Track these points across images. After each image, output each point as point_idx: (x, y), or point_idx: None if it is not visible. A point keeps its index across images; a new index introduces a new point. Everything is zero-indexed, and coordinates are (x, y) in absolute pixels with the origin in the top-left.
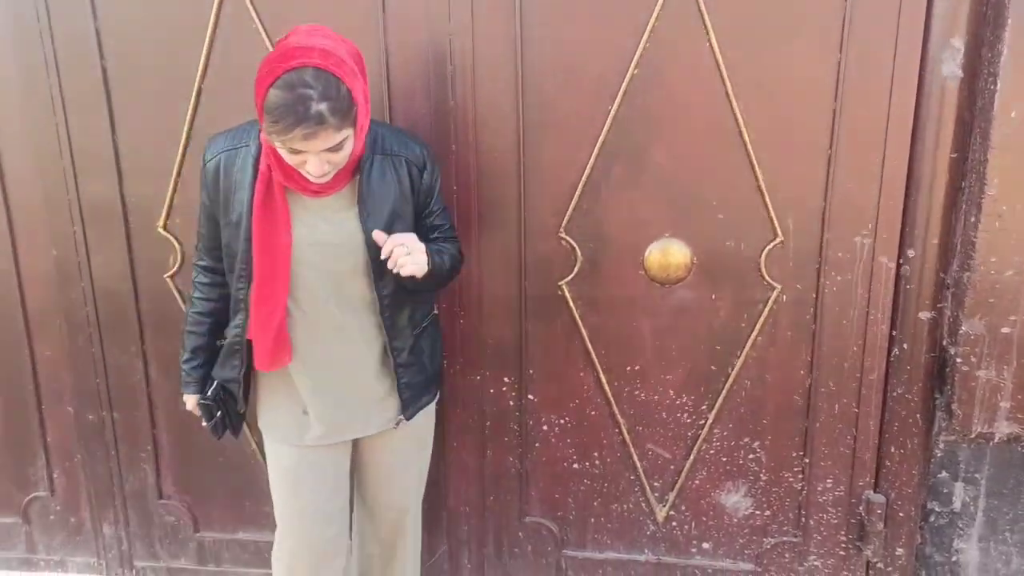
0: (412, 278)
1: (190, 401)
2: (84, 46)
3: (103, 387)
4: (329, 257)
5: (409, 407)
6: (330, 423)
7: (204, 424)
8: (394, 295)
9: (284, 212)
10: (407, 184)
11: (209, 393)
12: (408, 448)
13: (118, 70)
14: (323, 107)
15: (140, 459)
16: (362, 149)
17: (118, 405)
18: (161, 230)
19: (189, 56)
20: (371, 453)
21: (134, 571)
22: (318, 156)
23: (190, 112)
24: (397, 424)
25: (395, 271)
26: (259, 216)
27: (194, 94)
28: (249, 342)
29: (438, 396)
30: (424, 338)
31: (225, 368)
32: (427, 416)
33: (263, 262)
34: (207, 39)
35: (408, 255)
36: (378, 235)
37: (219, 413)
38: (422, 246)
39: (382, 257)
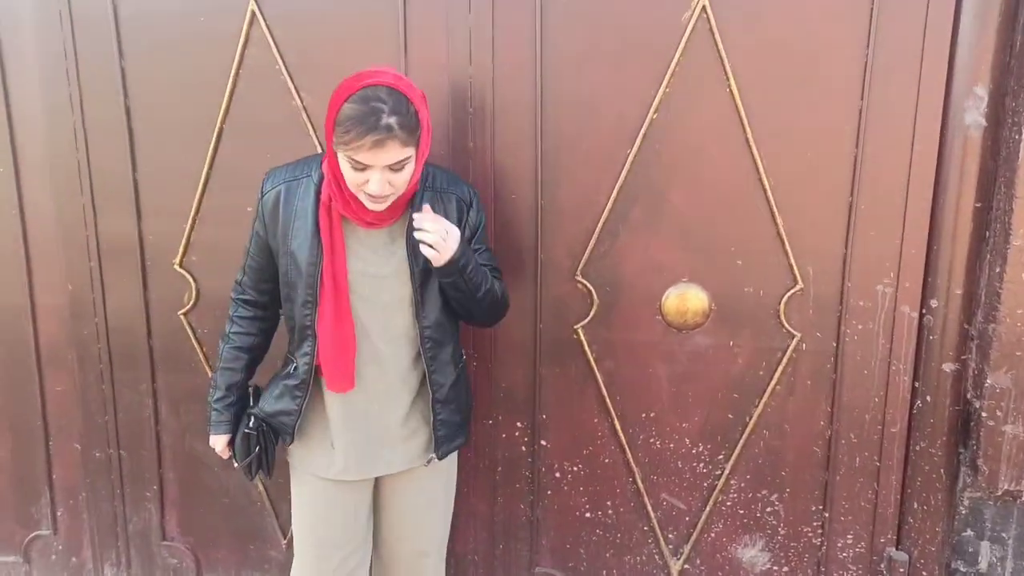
0: (452, 285)
1: (220, 442)
2: (109, 84)
3: (111, 424)
4: (377, 288)
5: (442, 445)
6: (357, 457)
7: (236, 465)
8: (436, 328)
9: (340, 240)
10: (455, 220)
11: (252, 424)
12: (434, 489)
13: (141, 108)
14: (393, 120)
15: (145, 499)
16: (416, 186)
17: (125, 443)
18: (177, 267)
19: (212, 97)
20: (394, 494)
21: None
22: (381, 173)
23: (211, 152)
24: (428, 463)
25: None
26: (326, 241)
27: (215, 135)
28: (316, 369)
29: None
30: (463, 378)
31: (283, 400)
32: (453, 460)
33: (328, 287)
34: (230, 80)
35: (440, 239)
36: (426, 210)
37: (257, 449)
38: (457, 234)
39: (415, 225)
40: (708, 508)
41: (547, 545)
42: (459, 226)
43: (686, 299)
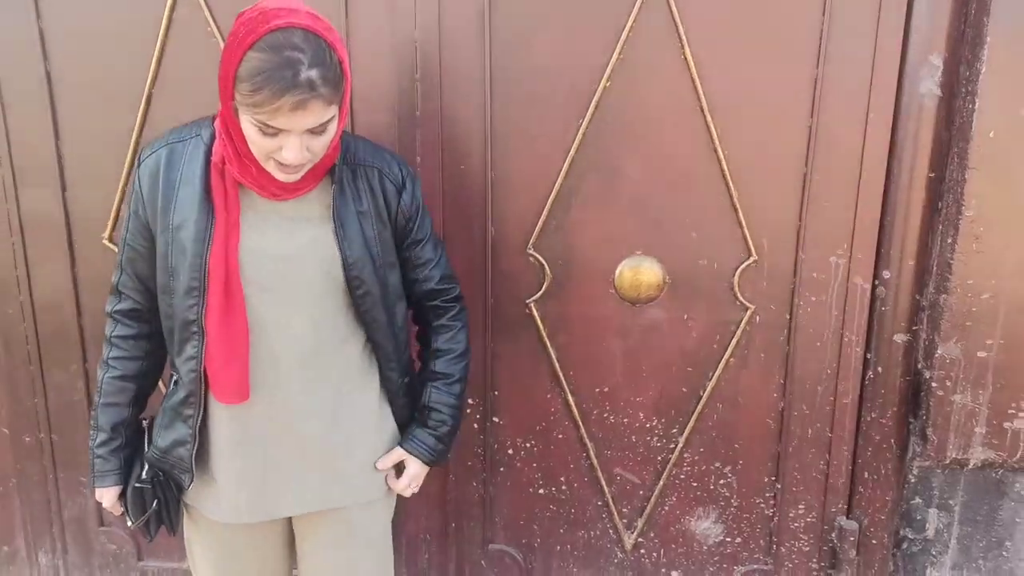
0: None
1: (108, 496)
2: (27, 48)
3: (41, 407)
4: (277, 273)
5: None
6: (252, 492)
7: (131, 524)
8: (376, 327)
9: (236, 211)
10: (382, 202)
11: (144, 474)
12: (361, 538)
13: (63, 73)
14: (314, 73)
15: (80, 483)
16: (334, 155)
17: (57, 427)
18: (107, 241)
19: (139, 60)
20: (309, 543)
21: None
22: (299, 138)
23: (139, 119)
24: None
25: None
26: (218, 213)
27: (144, 100)
28: (206, 378)
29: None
30: (409, 390)
31: (174, 428)
32: (385, 508)
33: (219, 269)
34: (158, 43)
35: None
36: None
37: (155, 503)
38: (420, 472)
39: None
40: (662, 482)
41: (500, 522)
42: (389, 215)
43: (640, 272)
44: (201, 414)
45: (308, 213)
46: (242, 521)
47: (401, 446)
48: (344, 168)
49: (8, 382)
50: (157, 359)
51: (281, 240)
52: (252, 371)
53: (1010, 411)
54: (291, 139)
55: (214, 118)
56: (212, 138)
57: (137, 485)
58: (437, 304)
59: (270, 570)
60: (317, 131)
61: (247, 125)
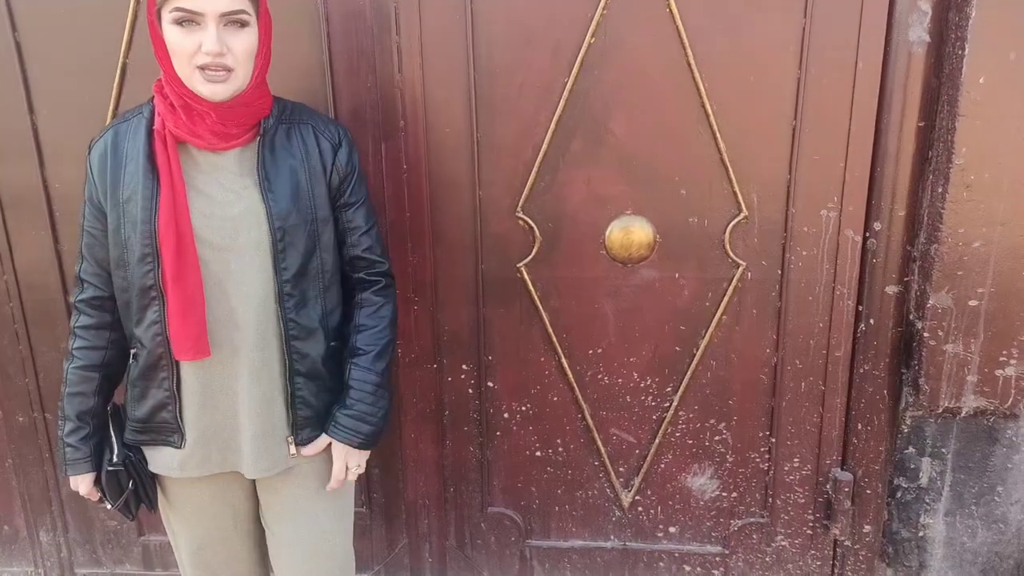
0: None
1: (83, 483)
2: None
3: (33, 386)
4: (230, 232)
5: (302, 430)
6: (217, 445)
7: (109, 507)
8: (299, 280)
9: (179, 173)
10: (316, 157)
11: (116, 457)
12: (316, 506)
13: (34, 45)
14: None
15: None
16: (267, 107)
17: (50, 406)
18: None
19: (113, 29)
20: (274, 497)
21: None
22: (215, 27)
23: (115, 90)
24: (293, 454)
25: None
26: (163, 179)
27: (118, 70)
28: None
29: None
30: (337, 355)
31: (147, 397)
32: (347, 490)
33: (169, 230)
34: (131, 10)
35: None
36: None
37: (131, 483)
38: (358, 460)
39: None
40: (657, 440)
41: (498, 485)
42: (324, 171)
43: (630, 232)
44: (174, 375)
45: (249, 169)
46: (213, 472)
47: (324, 429)
48: (279, 126)
49: None
50: (121, 348)
51: (227, 201)
52: (214, 330)
53: (1001, 359)
54: (208, 29)
55: (152, 98)
56: (152, 113)
57: (110, 468)
58: (362, 276)
59: (242, 523)
60: (232, 20)
61: (169, 30)
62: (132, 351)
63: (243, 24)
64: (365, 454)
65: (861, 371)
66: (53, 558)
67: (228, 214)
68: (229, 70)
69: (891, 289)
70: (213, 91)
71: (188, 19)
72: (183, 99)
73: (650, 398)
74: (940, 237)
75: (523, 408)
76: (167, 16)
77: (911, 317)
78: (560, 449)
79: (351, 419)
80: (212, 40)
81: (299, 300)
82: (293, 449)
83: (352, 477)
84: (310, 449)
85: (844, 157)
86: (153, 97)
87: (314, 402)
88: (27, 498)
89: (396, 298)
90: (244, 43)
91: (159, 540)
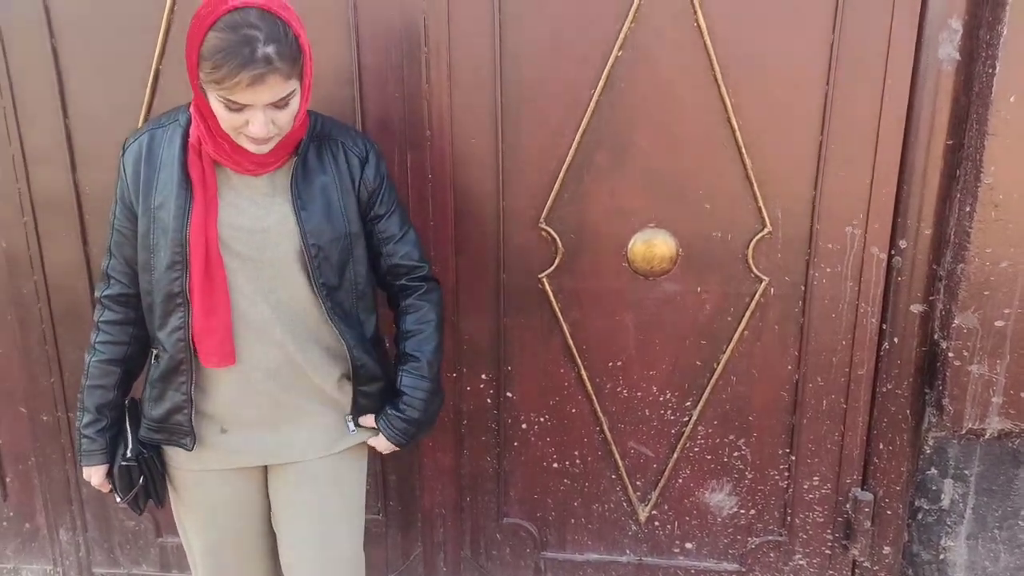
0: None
1: (96, 474)
2: (32, 24)
3: (58, 386)
4: (259, 245)
5: (358, 414)
6: (247, 440)
7: (119, 500)
8: (334, 296)
9: (213, 189)
10: (346, 173)
11: (129, 453)
12: (333, 490)
13: (70, 49)
14: (270, 49)
15: None
16: (303, 128)
17: (74, 406)
18: None
19: (146, 36)
20: (285, 488)
21: None
22: (263, 112)
23: (147, 95)
24: (354, 426)
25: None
26: (197, 189)
27: (152, 76)
28: (193, 348)
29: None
30: (384, 353)
31: (165, 399)
32: (360, 464)
33: (199, 241)
34: (164, 18)
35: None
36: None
37: (142, 479)
38: (386, 443)
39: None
40: (675, 455)
41: (515, 496)
42: (353, 186)
43: (653, 245)
44: (193, 380)
45: (281, 188)
46: (236, 465)
47: (376, 419)
48: (309, 143)
49: (25, 361)
50: (143, 344)
51: (257, 215)
52: (243, 335)
53: None
54: (255, 113)
55: (190, 104)
56: (189, 122)
57: (123, 463)
58: (404, 283)
59: (255, 524)
60: (279, 105)
61: (214, 102)
62: (153, 352)
63: (288, 102)
64: (404, 438)
65: (884, 390)
66: (72, 557)
67: (257, 227)
68: (274, 136)
69: (916, 308)
70: (259, 150)
71: (236, 108)
72: (227, 142)
73: (669, 412)
74: (967, 256)
75: (541, 419)
76: (212, 94)
77: (936, 337)
78: (577, 461)
79: (404, 423)
80: (259, 126)
81: (341, 312)
82: (352, 427)
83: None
84: (366, 419)
85: (871, 174)
86: (190, 104)
87: (373, 392)
88: (48, 496)
89: (442, 300)
90: (290, 112)
91: (176, 542)
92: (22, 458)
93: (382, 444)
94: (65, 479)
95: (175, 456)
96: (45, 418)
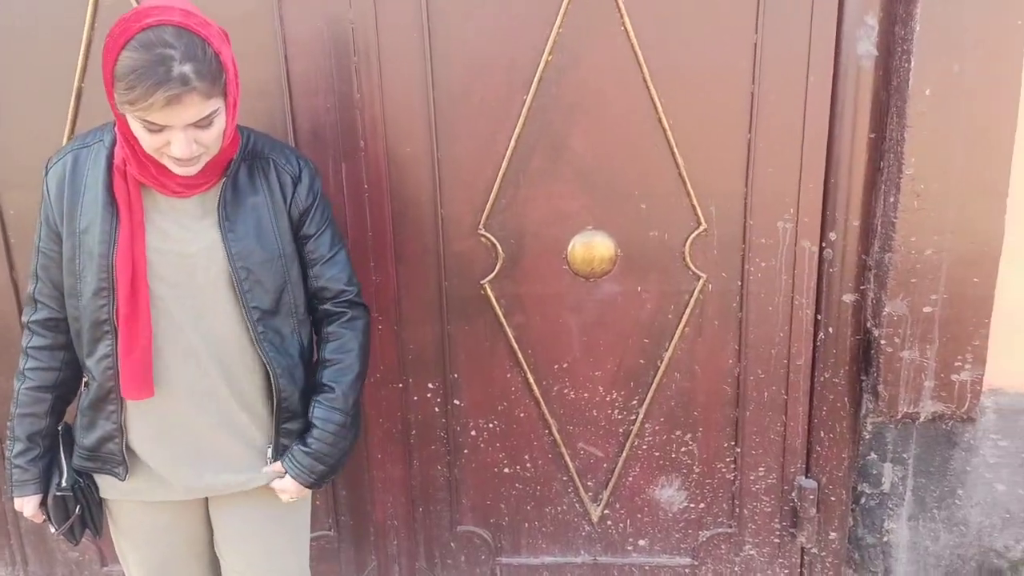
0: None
1: (28, 505)
2: None
3: None
4: (188, 269)
5: (279, 455)
6: (177, 473)
7: (54, 530)
8: (269, 322)
9: (139, 212)
10: (278, 192)
11: (64, 482)
12: (272, 522)
13: None
14: (187, 68)
15: None
16: (233, 148)
17: (5, 436)
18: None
19: (67, 53)
20: (225, 522)
21: None
22: (184, 133)
23: (70, 114)
24: (270, 463)
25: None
26: (122, 214)
27: (73, 95)
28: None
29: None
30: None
31: (95, 427)
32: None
33: (126, 268)
34: (85, 34)
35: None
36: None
37: (78, 508)
38: (298, 488)
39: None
40: (624, 453)
41: (468, 504)
42: (285, 205)
43: (592, 247)
44: (123, 409)
45: (210, 210)
46: (169, 499)
47: (282, 459)
48: (240, 162)
49: None
50: (74, 369)
51: (185, 238)
52: (170, 364)
53: (956, 363)
54: (175, 134)
55: (115, 123)
56: (114, 142)
57: (58, 493)
58: (329, 308)
59: (195, 548)
60: (202, 124)
61: (133, 123)
62: (84, 379)
63: (212, 122)
64: (305, 491)
65: (822, 379)
66: None
67: (185, 251)
68: (199, 156)
69: (848, 298)
70: (186, 171)
71: (155, 129)
72: (152, 163)
73: (616, 412)
74: (893, 246)
75: (490, 425)
76: (129, 115)
77: (868, 325)
78: (528, 465)
79: (308, 457)
80: (181, 147)
81: (275, 337)
82: (268, 468)
83: (284, 498)
84: (270, 469)
85: (799, 169)
86: (115, 123)
87: (294, 431)
88: None
89: (368, 328)
90: (214, 132)
91: (121, 571)
92: None
93: (289, 486)
94: (2, 512)
95: (110, 485)
96: None
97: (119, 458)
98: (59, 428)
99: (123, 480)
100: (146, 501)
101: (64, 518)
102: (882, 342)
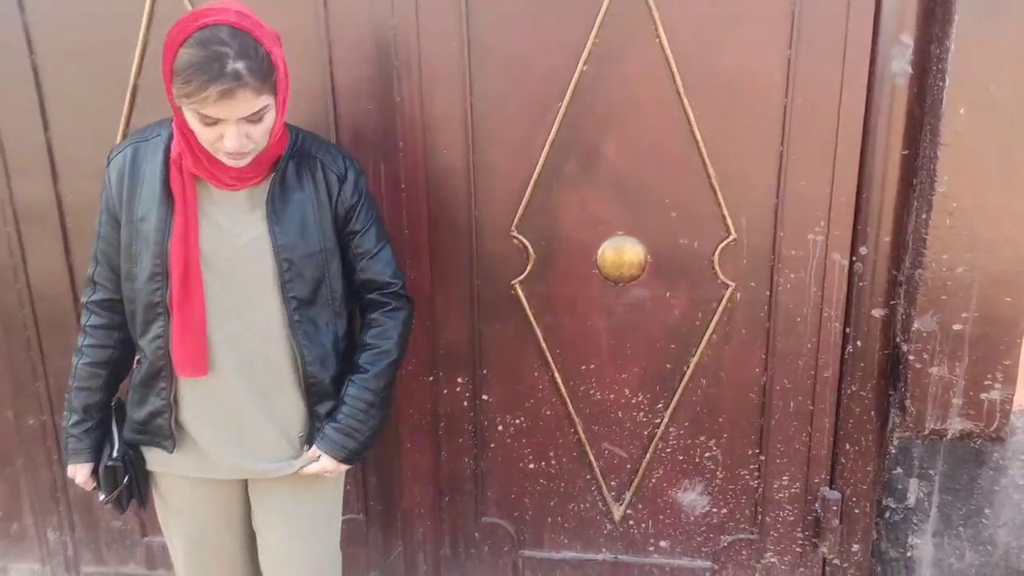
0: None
1: (81, 472)
2: (11, 40)
3: (43, 391)
4: (236, 260)
5: (309, 443)
6: (220, 453)
7: (102, 498)
8: (305, 312)
9: (193, 203)
10: (324, 190)
11: (115, 453)
12: (306, 508)
13: (49, 64)
14: (240, 65)
15: None
16: (282, 144)
17: (59, 409)
18: None
19: (124, 51)
20: (263, 505)
21: None
22: (236, 127)
23: (126, 109)
24: (300, 460)
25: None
26: (178, 204)
27: (129, 91)
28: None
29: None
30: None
31: (146, 403)
32: (336, 483)
33: (179, 255)
34: (142, 33)
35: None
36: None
37: (126, 478)
38: (333, 466)
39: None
40: (648, 455)
41: (492, 496)
42: (330, 203)
43: (622, 252)
44: (173, 386)
45: (259, 203)
46: (212, 476)
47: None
48: (290, 160)
49: (10, 367)
50: (128, 347)
51: (235, 231)
52: (221, 348)
53: (986, 382)
54: (228, 127)
55: (172, 118)
56: (171, 137)
57: (109, 463)
58: (374, 297)
59: (234, 525)
60: (252, 119)
61: (190, 116)
62: (136, 357)
63: (262, 117)
64: (342, 467)
65: (849, 392)
66: (59, 556)
67: (236, 244)
68: (250, 150)
69: (877, 312)
70: (236, 164)
71: (209, 122)
72: (206, 157)
73: (641, 414)
74: (924, 262)
75: (517, 421)
76: (186, 109)
77: (897, 340)
78: (553, 462)
79: (339, 434)
80: (232, 140)
81: (310, 327)
82: (301, 458)
83: (329, 474)
84: (302, 459)
85: (831, 183)
86: (172, 118)
87: (324, 413)
88: (35, 498)
89: (410, 319)
90: (264, 127)
91: (161, 541)
92: (8, 461)
93: (325, 463)
94: (52, 481)
95: (157, 458)
96: (31, 422)
97: (167, 432)
98: (112, 403)
99: (171, 453)
100: (190, 476)
101: (113, 487)
102: (911, 357)
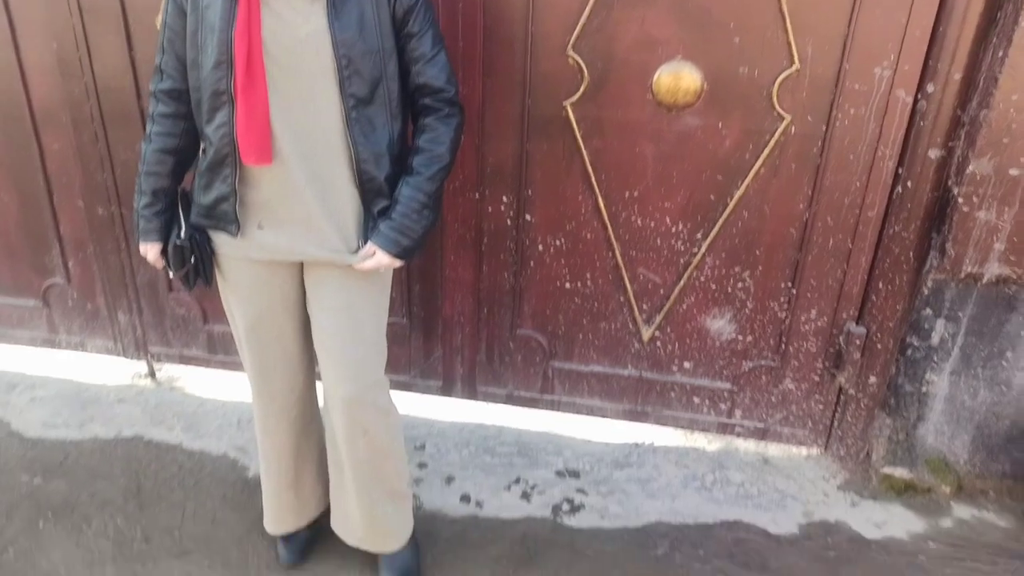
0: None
1: (151, 251)
2: None
3: (110, 182)
4: (297, 53)
5: (362, 238)
6: (279, 236)
7: (172, 275)
8: (364, 105)
9: None
10: None
11: (183, 234)
12: (358, 296)
13: None
14: None
15: None
16: None
17: (126, 201)
18: (158, 25)
19: None
20: (316, 288)
21: (149, 355)
22: None
23: None
24: (357, 251)
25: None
26: None
27: None
28: (237, 144)
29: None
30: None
31: (212, 188)
32: (385, 280)
33: (243, 42)
34: None
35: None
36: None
37: (193, 258)
38: (384, 260)
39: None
40: (682, 282)
41: (528, 311)
42: (388, 2)
43: (679, 77)
44: (237, 173)
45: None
46: (273, 259)
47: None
48: None
49: (80, 158)
50: (194, 136)
51: (296, 22)
52: (284, 138)
53: None
54: None
55: None
56: None
57: (177, 243)
58: (428, 103)
59: (290, 307)
60: None
61: None
62: (202, 145)
63: None
64: (396, 262)
65: (891, 232)
66: (129, 336)
67: (297, 35)
68: None
69: (934, 153)
70: None
71: None
72: None
73: (680, 243)
74: (992, 102)
75: (557, 242)
76: None
77: (949, 183)
78: (589, 283)
79: (393, 231)
80: None
81: (367, 126)
82: (358, 253)
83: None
84: (361, 254)
85: (907, 13)
86: None
87: (382, 212)
88: (106, 282)
89: (461, 127)
90: None
91: (221, 329)
92: (81, 246)
93: (380, 259)
94: (120, 267)
95: (222, 242)
96: (100, 211)
97: (232, 216)
98: (178, 190)
99: (235, 237)
100: (252, 258)
101: (181, 265)
102: (959, 200)
